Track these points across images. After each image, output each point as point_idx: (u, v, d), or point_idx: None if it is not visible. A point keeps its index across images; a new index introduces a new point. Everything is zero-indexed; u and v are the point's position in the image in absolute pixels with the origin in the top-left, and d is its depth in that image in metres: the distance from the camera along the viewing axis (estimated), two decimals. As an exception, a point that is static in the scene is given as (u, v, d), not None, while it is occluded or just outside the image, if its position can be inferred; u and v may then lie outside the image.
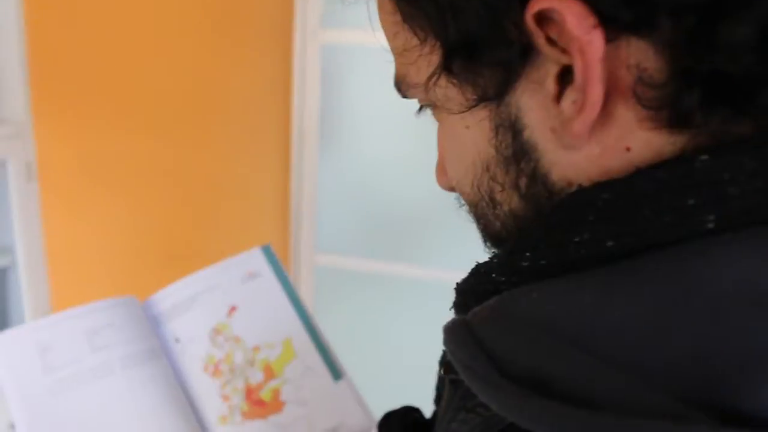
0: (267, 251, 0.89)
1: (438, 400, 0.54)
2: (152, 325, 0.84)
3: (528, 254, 0.37)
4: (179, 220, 2.14)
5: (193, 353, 0.82)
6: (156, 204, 2.10)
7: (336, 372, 0.84)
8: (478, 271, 0.42)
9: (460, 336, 0.36)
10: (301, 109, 2.13)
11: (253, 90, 2.07)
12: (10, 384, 0.74)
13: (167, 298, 0.85)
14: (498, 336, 0.34)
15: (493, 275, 0.39)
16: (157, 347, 0.82)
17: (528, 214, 0.40)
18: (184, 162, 2.07)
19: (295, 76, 2.09)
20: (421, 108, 0.47)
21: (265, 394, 0.80)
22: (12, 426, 1.91)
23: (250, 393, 0.80)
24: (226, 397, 0.80)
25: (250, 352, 0.82)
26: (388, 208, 2.27)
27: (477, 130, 0.40)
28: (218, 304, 0.84)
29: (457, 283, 0.45)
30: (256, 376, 0.81)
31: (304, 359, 0.83)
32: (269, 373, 0.82)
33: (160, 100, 1.99)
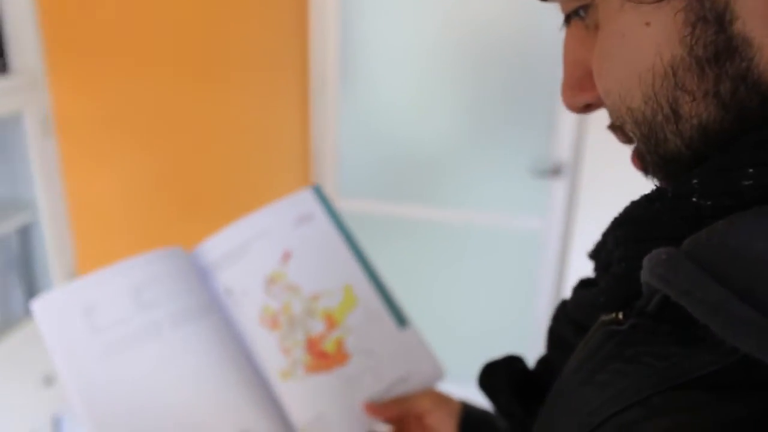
0: (318, 191, 0.82)
1: (555, 347, 0.48)
2: (201, 278, 0.78)
3: (752, 171, 0.30)
4: (201, 167, 2.08)
5: (248, 305, 0.76)
6: (178, 152, 2.04)
7: (401, 318, 0.78)
8: (663, 195, 0.35)
9: (690, 272, 0.29)
10: (321, 51, 2.05)
11: (271, 32, 1.98)
12: (57, 349, 0.68)
13: (215, 247, 0.79)
14: (750, 273, 0.28)
15: (694, 198, 0.33)
16: (208, 301, 0.76)
17: (727, 127, 0.33)
18: (204, 109, 2.00)
19: (313, 15, 2.00)
20: (568, 17, 0.40)
21: (328, 346, 0.75)
22: (47, 380, 1.87)
23: (311, 345, 0.75)
24: (286, 351, 0.75)
25: (308, 301, 0.76)
26: (410, 151, 2.21)
27: (662, 27, 0.33)
28: (271, 252, 0.78)
29: (625, 211, 0.38)
30: (317, 327, 0.76)
31: (366, 306, 0.77)
32: (331, 322, 0.76)
33: (177, 46, 1.90)
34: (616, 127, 0.39)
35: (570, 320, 0.44)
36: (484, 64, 2.05)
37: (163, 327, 0.72)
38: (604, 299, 0.39)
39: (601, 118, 0.43)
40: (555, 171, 2.03)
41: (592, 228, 1.92)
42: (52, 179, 1.91)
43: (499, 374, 0.56)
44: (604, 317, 0.38)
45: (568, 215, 2.07)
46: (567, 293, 0.46)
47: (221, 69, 1.97)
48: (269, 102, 2.06)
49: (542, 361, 0.54)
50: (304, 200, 0.81)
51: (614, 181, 1.54)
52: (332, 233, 0.80)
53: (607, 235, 0.40)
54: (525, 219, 2.13)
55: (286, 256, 0.78)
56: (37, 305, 0.71)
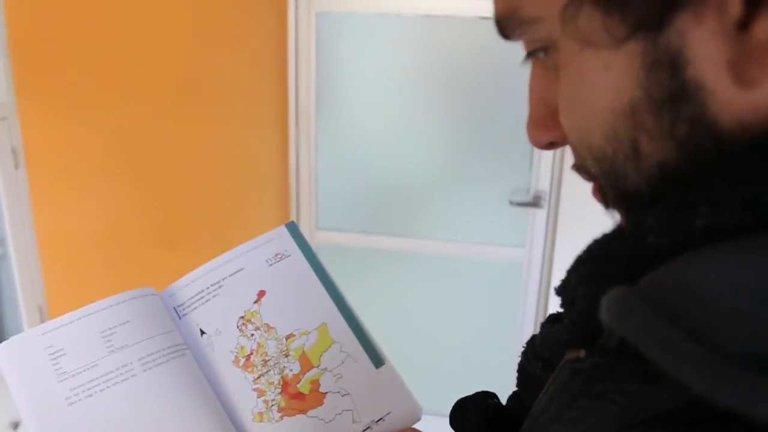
0: (293, 229, 0.81)
1: (525, 384, 0.48)
2: (173, 318, 0.76)
3: (704, 209, 0.31)
4: (176, 202, 2.06)
5: (221, 346, 0.75)
6: (151, 186, 2.01)
7: (377, 358, 0.77)
8: (620, 234, 0.36)
9: (643, 311, 0.30)
10: (295, 87, 2.06)
11: (249, 66, 1.98)
12: (21, 394, 0.66)
13: (187, 286, 0.77)
14: (702, 314, 0.28)
15: (650, 239, 0.33)
16: (181, 342, 0.74)
17: (683, 166, 0.34)
18: (180, 143, 1.98)
19: (290, 43, 2.01)
20: (529, 55, 0.41)
21: (303, 386, 0.73)
22: (13, 425, 1.82)
23: (286, 386, 0.73)
24: (260, 392, 0.73)
25: (283, 341, 0.75)
26: (389, 183, 2.21)
27: (620, 70, 0.34)
28: (245, 291, 0.77)
29: (587, 250, 0.39)
30: (292, 367, 0.74)
31: (342, 346, 0.76)
32: (306, 362, 0.74)
33: (151, 78, 1.89)
34: (579, 167, 0.41)
35: (538, 356, 0.44)
36: (463, 96, 2.07)
37: (134, 370, 0.70)
38: (567, 336, 0.40)
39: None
40: (535, 202, 2.04)
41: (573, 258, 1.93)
42: (22, 213, 1.87)
43: (471, 411, 0.55)
44: (569, 354, 0.38)
45: (549, 245, 2.08)
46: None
47: (196, 103, 1.96)
48: (247, 135, 2.05)
49: (513, 397, 0.54)
50: (280, 237, 0.80)
51: (595, 211, 1.55)
52: (307, 271, 0.79)
53: (571, 272, 0.40)
54: (506, 250, 2.14)
55: (261, 295, 0.76)
56: (1, 349, 0.69)
